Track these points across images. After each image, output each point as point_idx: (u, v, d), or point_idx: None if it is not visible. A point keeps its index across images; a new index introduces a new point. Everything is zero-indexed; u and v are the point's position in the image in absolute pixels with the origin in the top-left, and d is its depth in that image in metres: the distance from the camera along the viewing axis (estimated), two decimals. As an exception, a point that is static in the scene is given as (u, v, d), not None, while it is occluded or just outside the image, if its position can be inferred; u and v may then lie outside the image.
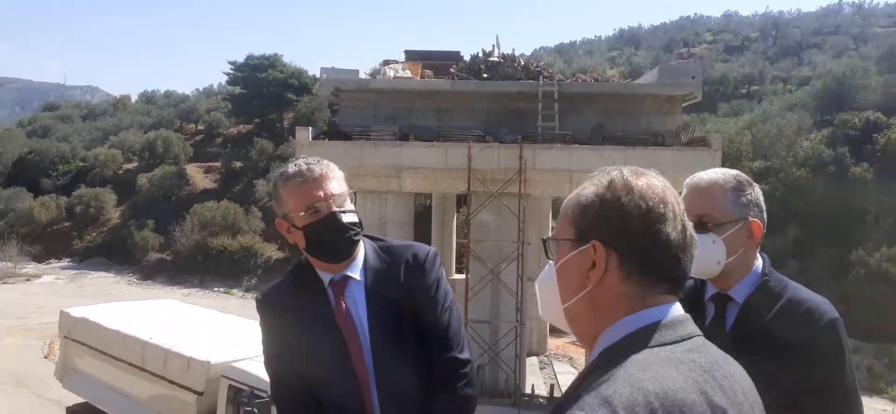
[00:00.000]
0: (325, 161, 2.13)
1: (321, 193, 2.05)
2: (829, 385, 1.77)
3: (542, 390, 13.98)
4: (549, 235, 1.31)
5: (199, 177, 44.57)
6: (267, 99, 47.63)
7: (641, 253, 1.14)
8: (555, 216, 24.78)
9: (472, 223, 12.70)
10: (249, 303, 29.45)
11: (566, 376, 16.39)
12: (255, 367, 6.50)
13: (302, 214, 2.06)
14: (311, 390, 2.07)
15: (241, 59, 50.55)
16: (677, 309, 1.16)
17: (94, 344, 8.30)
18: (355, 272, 2.13)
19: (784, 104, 37.11)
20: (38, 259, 37.75)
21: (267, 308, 2.17)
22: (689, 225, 1.18)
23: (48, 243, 39.46)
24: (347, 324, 2.09)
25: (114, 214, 41.52)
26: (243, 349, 7.01)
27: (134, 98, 72.94)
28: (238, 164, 44.12)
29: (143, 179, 42.64)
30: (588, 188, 1.20)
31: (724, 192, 1.91)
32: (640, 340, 1.10)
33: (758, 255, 1.97)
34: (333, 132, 13.38)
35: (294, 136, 16.50)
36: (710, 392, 1.06)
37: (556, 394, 13.38)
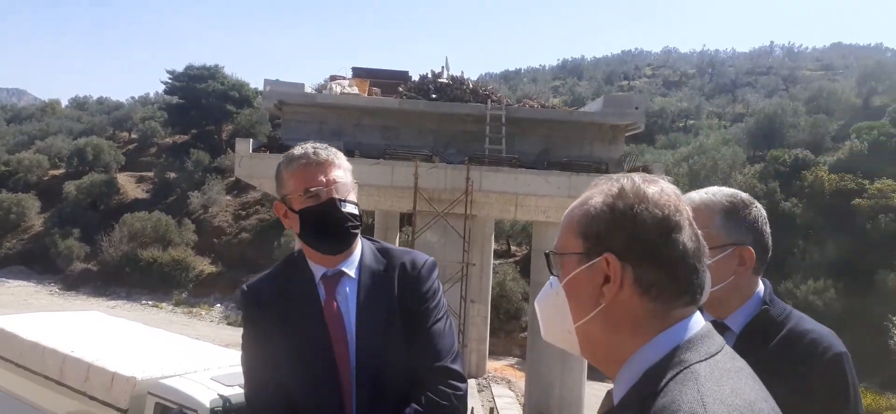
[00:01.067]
0: (334, 149, 2.05)
1: (323, 178, 1.97)
2: None
3: (481, 413, 13.85)
4: (549, 249, 1.19)
5: (130, 186, 43.12)
6: (205, 110, 46.65)
7: (659, 264, 1.06)
8: (498, 239, 24.81)
9: (416, 243, 12.52)
10: (179, 317, 28.47)
11: (504, 399, 16.32)
12: (184, 384, 6.13)
13: (301, 195, 1.98)
14: (287, 387, 1.96)
15: (180, 68, 49.39)
16: (701, 319, 1.10)
17: (9, 356, 7.72)
18: (350, 269, 2.04)
19: (719, 139, 38.48)
20: (-49, 266, 35.67)
21: (252, 299, 2.06)
22: (700, 233, 1.11)
23: (-37, 250, 37.37)
24: (335, 320, 1.99)
25: (36, 221, 39.65)
26: (172, 365, 6.61)
27: (64, 103, 70.35)
28: (172, 175, 42.91)
29: (69, 187, 40.94)
30: (595, 197, 1.12)
31: (712, 214, 1.76)
32: (688, 353, 1.03)
33: (759, 281, 1.81)
34: (275, 145, 13.04)
35: (233, 149, 16.05)
36: (769, 399, 1.04)
37: (496, 419, 13.26)
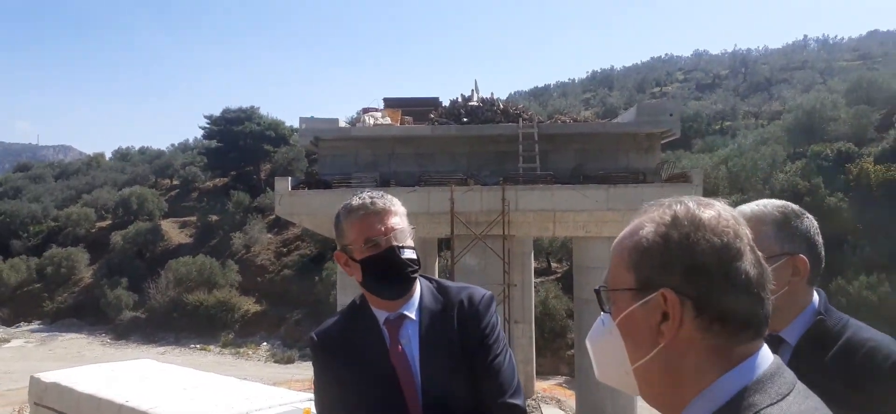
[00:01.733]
0: (390, 196, 2.12)
1: (382, 227, 2.03)
2: None
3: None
4: (601, 283, 1.12)
5: (174, 232, 43.99)
6: (243, 151, 47.51)
7: (720, 298, 0.98)
8: (537, 256, 24.68)
9: (455, 267, 12.51)
10: (226, 359, 28.80)
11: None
12: (239, 427, 6.18)
13: (361, 246, 2.04)
14: None
15: (217, 112, 50.49)
16: (769, 355, 1.02)
17: (67, 410, 7.89)
18: (411, 311, 2.10)
19: (757, 138, 37.72)
20: (7, 322, 36.75)
21: (321, 346, 2.14)
22: (763, 257, 1.03)
23: (18, 306, 38.48)
24: (402, 363, 2.05)
25: (86, 274, 40.66)
26: (224, 408, 6.68)
27: (108, 155, 72.33)
28: (214, 217, 43.66)
29: (116, 237, 41.94)
30: (646, 226, 1.04)
31: (764, 225, 1.76)
32: (758, 396, 0.95)
33: (814, 291, 1.79)
34: (313, 181, 13.22)
35: (272, 188, 16.30)
36: None
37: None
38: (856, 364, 1.62)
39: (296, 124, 13.78)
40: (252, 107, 50.83)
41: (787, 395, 0.97)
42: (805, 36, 73.11)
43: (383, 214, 2.04)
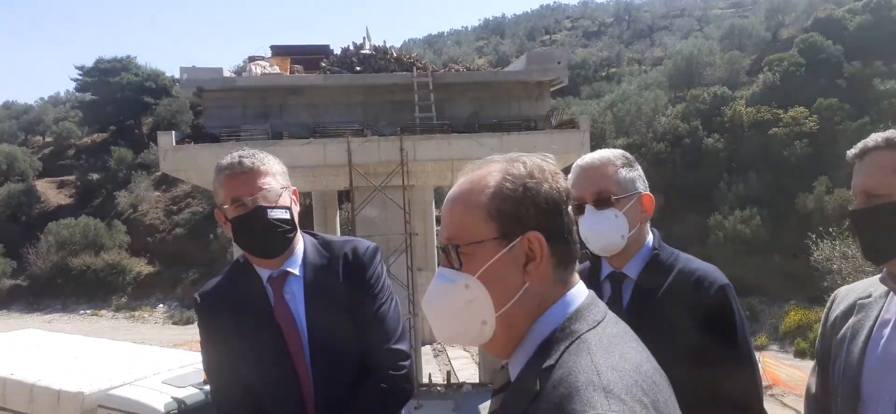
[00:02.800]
0: (263, 155, 2.08)
1: (249, 187, 2.01)
2: (724, 349, 1.80)
3: (438, 378, 14.05)
4: (444, 242, 1.15)
5: (51, 193, 41.25)
6: (122, 104, 44.88)
7: (562, 236, 1.11)
8: (438, 204, 25.09)
9: (356, 219, 12.50)
10: (121, 323, 27.66)
11: (461, 361, 16.59)
12: (136, 392, 6.03)
13: (228, 206, 2.04)
14: (252, 389, 2.05)
15: (89, 63, 47.24)
16: (584, 287, 1.15)
17: (-58, 388, 7.40)
18: (294, 268, 2.11)
19: (641, 84, 39.43)
20: None
21: (206, 307, 2.13)
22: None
23: None
24: (286, 320, 2.06)
25: (-47, 241, 37.57)
26: (120, 375, 6.49)
27: (-33, 112, 66.20)
28: (95, 176, 41.28)
29: (-15, 201, 38.85)
30: (495, 179, 1.11)
31: (616, 167, 1.93)
32: (578, 323, 1.07)
33: (649, 229, 2.00)
34: (199, 135, 12.71)
35: (155, 143, 15.55)
36: (650, 358, 1.09)
37: (454, 380, 13.50)
38: (687, 290, 1.84)
39: (177, 75, 13.14)
40: (128, 56, 48.01)
41: (601, 321, 1.08)
42: (684, -16, 76.21)
43: (251, 173, 2.02)
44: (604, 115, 34.62)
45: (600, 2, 78.63)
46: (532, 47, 50.50)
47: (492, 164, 1.13)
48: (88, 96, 47.08)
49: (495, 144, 11.82)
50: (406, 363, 2.15)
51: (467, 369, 15.66)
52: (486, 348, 1.15)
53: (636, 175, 1.95)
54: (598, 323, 1.08)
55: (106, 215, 36.63)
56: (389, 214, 12.35)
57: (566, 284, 1.12)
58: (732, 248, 24.72)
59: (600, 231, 1.87)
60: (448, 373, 14.43)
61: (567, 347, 1.03)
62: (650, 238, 1.97)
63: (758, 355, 18.88)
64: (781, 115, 30.45)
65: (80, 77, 46.97)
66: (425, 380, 13.34)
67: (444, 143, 12.02)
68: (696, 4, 67.33)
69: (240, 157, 2.04)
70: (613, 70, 48.68)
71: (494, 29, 75.29)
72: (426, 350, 16.70)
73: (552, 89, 13.88)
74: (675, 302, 1.82)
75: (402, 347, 2.15)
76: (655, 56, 49.21)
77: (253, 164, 2.03)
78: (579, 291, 1.13)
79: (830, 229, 19.91)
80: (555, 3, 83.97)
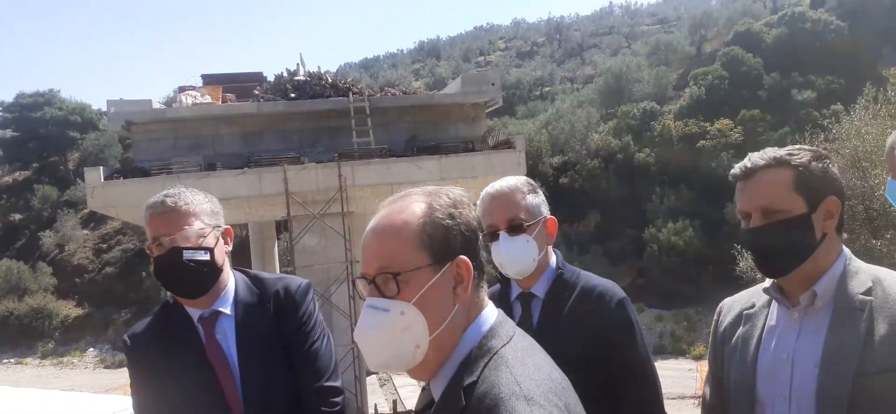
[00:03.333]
0: (190, 194, 2.09)
1: (166, 227, 2.01)
2: (626, 358, 1.97)
3: (385, 408, 13.86)
4: (373, 273, 1.19)
5: (-31, 236, 39.22)
6: (46, 140, 43.31)
7: (478, 258, 1.22)
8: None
9: (295, 249, 12.27)
10: (48, 370, 26.38)
11: (407, 389, 16.41)
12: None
13: (149, 245, 2.06)
14: None
15: (9, 98, 45.46)
16: (494, 308, 1.25)
17: None
18: (226, 307, 2.10)
19: (574, 102, 40.34)
20: None
21: (135, 347, 2.11)
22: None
23: None
24: (219, 359, 2.06)
25: None
26: (46, 427, 6.13)
27: None
28: (17, 216, 39.59)
29: None
30: (416, 207, 1.19)
31: (524, 194, 2.05)
32: (493, 341, 1.16)
33: (552, 251, 2.13)
34: (129, 170, 12.26)
35: (82, 179, 14.96)
36: (555, 366, 1.20)
37: (400, 409, 13.32)
38: (590, 305, 2.00)
39: (104, 107, 12.74)
40: (51, 90, 46.43)
41: (513, 337, 1.19)
42: (610, 3, 78.66)
43: (172, 213, 2.01)
44: (539, 133, 35.22)
45: (532, 22, 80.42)
46: (467, 69, 51.13)
47: (414, 196, 1.22)
48: (9, 133, 45.34)
49: (434, 167, 11.82)
50: (338, 400, 2.16)
51: (414, 397, 15.51)
52: (413, 373, 1.20)
53: (541, 200, 2.08)
54: (511, 338, 1.18)
55: (30, 257, 35.13)
56: (329, 243, 12.17)
57: (481, 305, 1.21)
58: (668, 259, 25.38)
59: (515, 256, 1.99)
60: (394, 401, 14.24)
61: (487, 363, 1.12)
62: (553, 258, 2.11)
63: (695, 365, 19.31)
64: (708, 128, 31.58)
65: (-1, 113, 45.09)
66: (371, 410, 13.13)
67: (384, 168, 11.94)
68: (623, 21, 69.60)
69: (164, 196, 2.05)
70: (547, 89, 49.70)
71: (430, 51, 75.99)
72: (372, 380, 16.49)
73: (488, 110, 14.01)
74: (580, 317, 1.97)
75: (335, 383, 2.18)
76: (587, 74, 50.49)
77: (175, 203, 2.03)
78: (491, 311, 1.23)
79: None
80: (488, 24, 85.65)
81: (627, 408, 1.95)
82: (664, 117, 33.86)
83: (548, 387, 1.10)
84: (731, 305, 1.91)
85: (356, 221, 13.29)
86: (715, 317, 1.96)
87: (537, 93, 49.30)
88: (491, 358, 1.12)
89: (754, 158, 1.70)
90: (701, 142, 30.87)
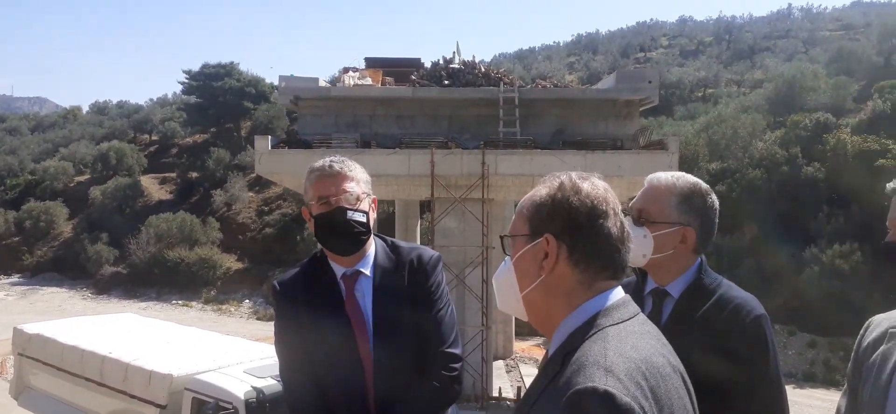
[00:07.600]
0: (351, 162, 2.33)
1: (334, 188, 2.25)
2: (753, 376, 1.89)
3: (509, 393, 14.01)
4: (505, 233, 1.42)
5: (154, 188, 43.71)
6: (223, 108, 47.00)
7: (587, 244, 1.29)
8: (517, 221, 25.10)
9: (436, 229, 12.70)
10: (209, 315, 28.94)
11: (532, 377, 16.45)
12: (219, 378, 6.37)
13: (316, 203, 2.26)
14: (318, 373, 2.26)
15: (196, 68, 49.82)
16: (621, 292, 1.33)
17: (51, 360, 8.04)
18: (366, 268, 2.33)
19: (738, 106, 37.98)
20: (-13, 275, 36.55)
21: (283, 293, 2.34)
22: (627, 222, 1.36)
23: (-3, 259, 38.23)
24: (356, 314, 2.29)
25: (65, 228, 40.41)
26: (206, 361, 6.86)
27: (85, 109, 71.20)
28: (194, 174, 43.41)
29: (95, 192, 41.61)
30: (541, 190, 1.35)
31: (669, 195, 2.04)
32: (604, 319, 1.26)
33: (697, 258, 2.07)
34: (293, 141, 13.25)
35: (252, 146, 16.27)
36: (668, 355, 1.27)
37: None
38: (724, 316, 1.93)
39: (276, 81, 13.77)
40: (231, 62, 50.13)
41: (627, 320, 1.27)
42: (790, 4, 73.50)
43: (338, 177, 2.25)
44: (697, 137, 33.49)
45: (700, 20, 76.54)
46: (624, 64, 49.70)
47: (548, 179, 1.37)
48: (193, 99, 49.45)
49: (578, 162, 11.72)
50: (457, 366, 2.33)
51: (541, 387, 15.50)
52: (535, 326, 1.40)
53: (692, 208, 2.03)
54: (624, 321, 1.26)
55: (202, 212, 38.37)
56: (468, 227, 12.47)
57: (595, 289, 1.30)
58: (829, 283, 23.42)
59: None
60: (519, 388, 14.35)
61: (589, 336, 1.23)
62: (697, 264, 2.06)
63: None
64: (890, 146, 28.66)
65: (186, 81, 49.58)
66: (495, 393, 13.34)
67: (527, 159, 12.03)
68: (802, 25, 64.41)
69: (331, 161, 2.29)
70: (710, 91, 47.12)
71: (587, 45, 74.39)
72: (498, 365, 16.69)
73: (642, 108, 13.65)
74: (712, 324, 1.91)
75: (456, 350, 2.35)
76: (756, 78, 47.26)
77: (341, 168, 2.27)
78: (612, 295, 1.31)
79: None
80: (652, 20, 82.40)
81: None
82: (839, 131, 31.07)
83: (636, 366, 1.15)
84: (880, 322, 1.86)
85: (495, 208, 13.52)
86: (862, 330, 1.91)
87: (699, 94, 46.90)
88: (596, 333, 1.23)
89: None
90: (880, 160, 28.03)
